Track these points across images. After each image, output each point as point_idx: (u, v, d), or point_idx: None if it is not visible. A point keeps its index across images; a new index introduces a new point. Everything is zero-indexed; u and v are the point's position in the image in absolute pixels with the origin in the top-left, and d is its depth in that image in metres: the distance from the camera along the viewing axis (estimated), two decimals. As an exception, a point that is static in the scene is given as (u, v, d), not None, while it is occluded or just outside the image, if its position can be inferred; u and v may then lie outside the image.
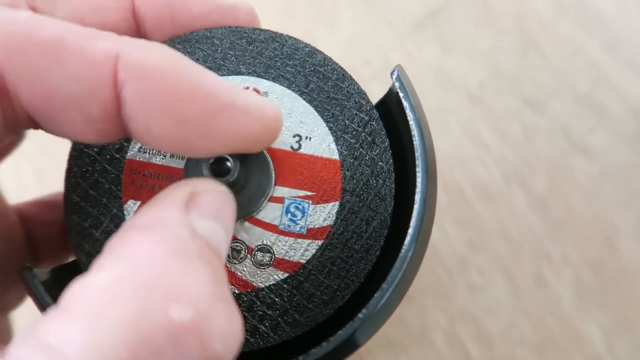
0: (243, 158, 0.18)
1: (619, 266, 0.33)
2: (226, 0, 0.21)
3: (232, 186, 0.18)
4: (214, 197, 0.16)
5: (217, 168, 0.18)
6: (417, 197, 0.18)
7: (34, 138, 0.26)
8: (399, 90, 0.19)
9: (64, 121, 0.16)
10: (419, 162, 0.18)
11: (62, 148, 0.27)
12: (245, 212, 0.19)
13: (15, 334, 0.25)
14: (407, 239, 0.17)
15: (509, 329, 0.32)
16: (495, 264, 0.33)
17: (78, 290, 0.13)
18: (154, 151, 0.20)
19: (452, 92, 0.37)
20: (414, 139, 0.18)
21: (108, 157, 0.20)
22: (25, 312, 0.24)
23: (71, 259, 0.20)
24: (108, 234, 0.19)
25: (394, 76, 0.19)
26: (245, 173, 0.19)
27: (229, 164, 0.18)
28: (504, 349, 0.32)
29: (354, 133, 0.19)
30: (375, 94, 0.21)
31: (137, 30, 0.21)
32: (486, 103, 0.36)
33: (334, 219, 0.19)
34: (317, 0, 0.39)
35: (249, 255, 0.19)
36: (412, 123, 0.18)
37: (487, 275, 0.33)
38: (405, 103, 0.18)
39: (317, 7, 0.39)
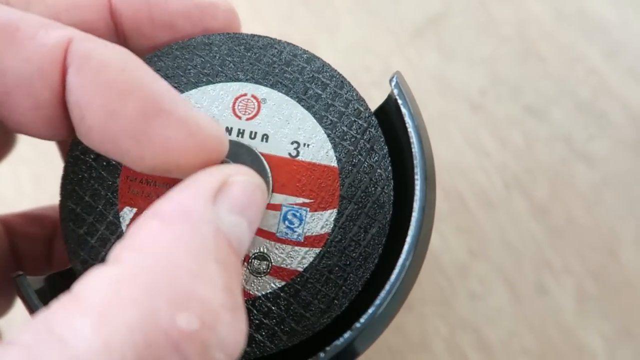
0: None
1: (621, 275, 0.32)
2: None
3: None
4: (246, 188, 0.16)
5: None
6: (416, 205, 0.17)
7: (32, 144, 0.26)
8: (397, 97, 0.19)
9: (13, 105, 0.16)
10: (417, 170, 0.18)
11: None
12: None
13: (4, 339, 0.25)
14: (405, 247, 0.17)
15: (509, 337, 0.32)
16: (496, 272, 0.33)
17: (93, 282, 0.13)
18: None
19: (452, 99, 0.37)
20: (412, 146, 0.18)
21: (104, 164, 0.19)
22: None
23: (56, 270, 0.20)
24: (104, 241, 0.19)
25: (393, 83, 0.19)
26: None
27: None
28: (505, 358, 0.32)
29: (352, 140, 0.19)
30: (375, 101, 0.21)
31: (116, 29, 0.21)
32: (487, 110, 0.36)
33: (331, 226, 0.19)
34: (317, 7, 0.39)
35: (245, 263, 0.19)
36: (410, 130, 0.18)
37: (488, 284, 0.33)
38: (404, 110, 0.18)
39: (318, 14, 0.39)
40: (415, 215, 0.17)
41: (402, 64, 0.38)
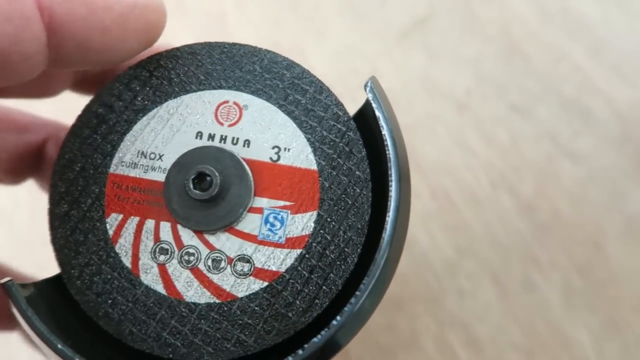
0: (223, 170, 0.19)
1: (607, 269, 0.33)
2: None
3: (213, 199, 0.19)
4: None
5: (199, 183, 0.19)
6: (391, 205, 0.18)
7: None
8: (372, 102, 0.19)
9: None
10: (392, 172, 0.18)
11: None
12: (225, 222, 0.19)
13: None
14: (382, 246, 0.18)
15: (498, 333, 0.32)
16: (484, 269, 0.34)
17: None
18: (135, 164, 0.20)
19: (439, 100, 0.37)
20: (387, 148, 0.18)
21: (91, 171, 0.20)
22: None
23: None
24: (91, 246, 0.20)
25: (367, 88, 0.19)
26: (225, 184, 0.19)
27: (209, 178, 0.19)
28: (494, 354, 0.32)
29: (331, 144, 0.20)
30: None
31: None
32: (473, 110, 0.37)
33: (312, 228, 0.19)
34: (305, 11, 0.40)
35: (228, 266, 0.19)
36: (385, 133, 0.19)
37: (476, 281, 0.33)
38: (378, 113, 0.19)
39: (306, 18, 0.40)
40: (390, 214, 0.18)
41: (389, 66, 0.38)
